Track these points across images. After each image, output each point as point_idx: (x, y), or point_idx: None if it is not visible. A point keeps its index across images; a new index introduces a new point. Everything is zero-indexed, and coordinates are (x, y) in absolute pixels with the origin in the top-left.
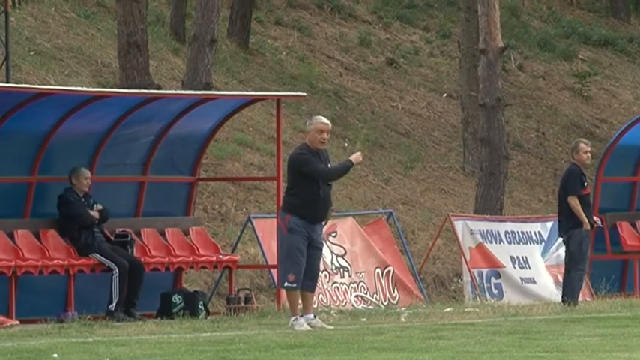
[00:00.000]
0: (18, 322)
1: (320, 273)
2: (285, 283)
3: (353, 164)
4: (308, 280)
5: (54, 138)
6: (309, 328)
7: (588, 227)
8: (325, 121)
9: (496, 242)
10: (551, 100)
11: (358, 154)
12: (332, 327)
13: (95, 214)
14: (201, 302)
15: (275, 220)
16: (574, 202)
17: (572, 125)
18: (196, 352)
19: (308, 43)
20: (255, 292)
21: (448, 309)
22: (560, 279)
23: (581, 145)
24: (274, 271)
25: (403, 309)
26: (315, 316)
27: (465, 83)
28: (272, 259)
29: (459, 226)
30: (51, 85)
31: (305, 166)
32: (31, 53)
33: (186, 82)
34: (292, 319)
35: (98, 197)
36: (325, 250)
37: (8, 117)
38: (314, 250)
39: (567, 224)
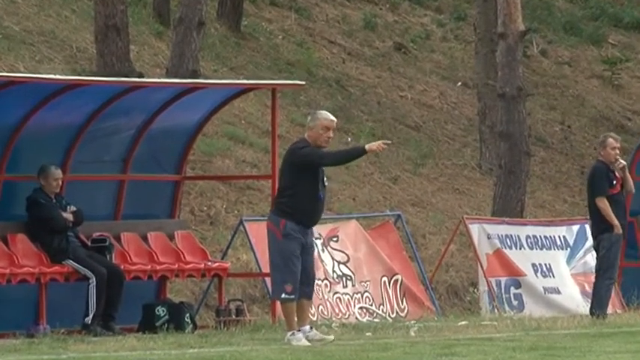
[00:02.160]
0: None
1: (320, 282)
2: (282, 295)
3: (365, 152)
4: (305, 286)
5: (23, 132)
6: (308, 343)
7: (620, 231)
8: (332, 117)
9: (516, 248)
10: (577, 90)
11: (379, 142)
12: (332, 337)
13: (69, 215)
14: (187, 315)
15: None
16: (602, 204)
17: (601, 117)
18: None
19: (307, 26)
20: (247, 304)
21: (463, 322)
22: (588, 289)
23: (610, 140)
24: (269, 280)
25: (412, 322)
26: (311, 328)
27: (481, 71)
28: (266, 267)
29: (474, 229)
30: (20, 72)
31: (307, 157)
32: None
33: (171, 70)
34: (289, 333)
35: (73, 198)
36: (326, 257)
37: None
38: (307, 254)
39: (597, 228)
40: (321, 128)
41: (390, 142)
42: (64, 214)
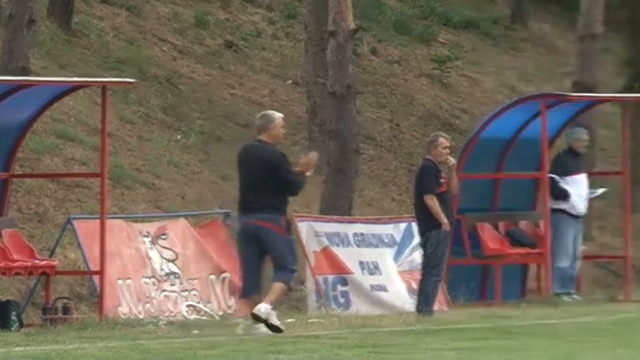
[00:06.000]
0: None
1: (148, 280)
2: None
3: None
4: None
5: None
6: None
7: (448, 228)
8: (280, 114)
9: (344, 246)
10: (407, 88)
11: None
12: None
13: None
14: (13, 313)
15: (98, 221)
16: (431, 201)
17: (430, 116)
18: None
19: (138, 23)
20: (74, 302)
21: (290, 320)
22: (415, 286)
23: (441, 139)
24: (96, 278)
25: (240, 320)
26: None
27: (311, 69)
28: (94, 265)
29: (302, 227)
30: None
31: (289, 177)
32: None
33: (1, 67)
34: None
35: None
36: (154, 255)
37: None
38: None
39: (424, 226)
40: (280, 127)
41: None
42: None
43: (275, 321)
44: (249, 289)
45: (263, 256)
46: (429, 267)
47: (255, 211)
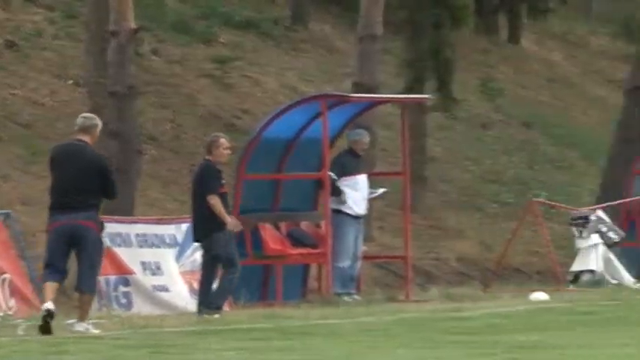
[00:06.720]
0: None
1: None
2: None
3: None
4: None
5: None
6: None
7: (232, 228)
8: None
9: (125, 246)
10: (188, 88)
11: None
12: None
13: None
14: None
15: None
16: (214, 201)
17: (212, 116)
18: None
19: None
20: None
21: (71, 321)
22: (196, 286)
23: (222, 140)
24: None
25: (20, 321)
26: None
27: (92, 69)
28: None
29: None
30: None
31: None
32: None
33: None
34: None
35: None
36: None
37: None
38: None
39: (208, 227)
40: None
41: None
42: None
43: (94, 331)
44: (55, 276)
45: (70, 254)
46: (226, 266)
47: (78, 210)
